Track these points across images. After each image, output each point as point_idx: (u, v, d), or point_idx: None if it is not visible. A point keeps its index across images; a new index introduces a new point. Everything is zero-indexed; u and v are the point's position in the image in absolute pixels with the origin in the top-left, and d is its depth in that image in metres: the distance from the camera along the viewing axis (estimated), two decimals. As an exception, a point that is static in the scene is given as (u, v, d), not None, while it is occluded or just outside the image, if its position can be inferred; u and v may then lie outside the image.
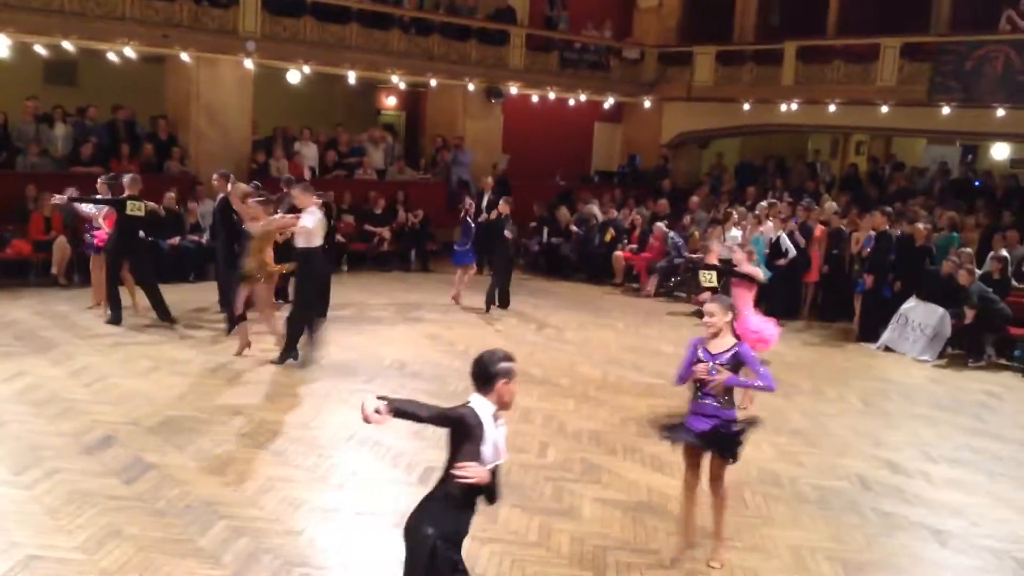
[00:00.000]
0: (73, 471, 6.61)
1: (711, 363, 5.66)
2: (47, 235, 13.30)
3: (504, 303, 13.69)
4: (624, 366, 10.89)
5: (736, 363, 5.69)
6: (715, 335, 5.72)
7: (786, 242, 13.81)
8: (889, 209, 13.83)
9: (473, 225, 13.73)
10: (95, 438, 7.31)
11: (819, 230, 14.30)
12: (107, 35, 14.46)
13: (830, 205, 16.47)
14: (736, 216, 15.01)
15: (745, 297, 9.33)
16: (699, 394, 5.77)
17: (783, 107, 19.32)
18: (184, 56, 15.35)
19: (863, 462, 8.03)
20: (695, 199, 18.21)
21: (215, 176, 12.01)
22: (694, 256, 15.57)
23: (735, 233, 14.39)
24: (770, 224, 14.30)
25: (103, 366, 9.35)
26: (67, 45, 14.40)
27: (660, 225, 16.52)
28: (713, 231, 13.99)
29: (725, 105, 20.53)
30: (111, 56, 15.09)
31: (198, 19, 15.24)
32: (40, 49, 14.88)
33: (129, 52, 14.81)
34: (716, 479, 5.88)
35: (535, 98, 20.29)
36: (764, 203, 15.76)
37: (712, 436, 5.74)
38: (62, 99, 15.62)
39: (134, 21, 14.57)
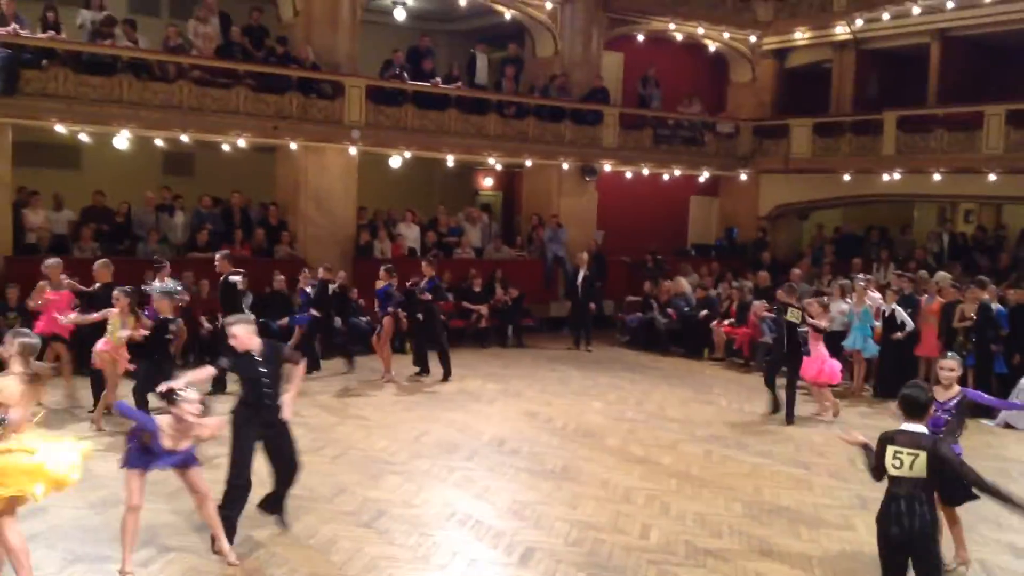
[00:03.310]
0: (186, 549, 6.82)
1: (939, 409, 6.64)
2: (164, 318, 13.88)
3: (425, 369, 13.76)
4: (728, 444, 10.67)
5: (962, 407, 6.81)
6: (947, 387, 6.85)
7: (902, 314, 13.42)
8: (983, 278, 13.36)
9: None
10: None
11: (936, 302, 13.75)
12: (222, 128, 15.33)
13: (944, 276, 15.84)
14: (840, 288, 14.64)
15: (817, 340, 11.63)
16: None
17: (884, 177, 18.99)
18: (293, 145, 16.11)
19: (984, 547, 7.63)
20: (797, 271, 17.90)
21: (219, 257, 12.57)
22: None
23: (842, 305, 14.06)
24: (877, 296, 13.94)
25: (214, 444, 9.64)
26: (185, 138, 15.31)
27: (758, 305, 16.21)
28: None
29: (824, 176, 20.32)
30: (225, 147, 15.94)
31: (306, 111, 16.02)
32: (160, 142, 15.84)
33: (242, 143, 15.63)
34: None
35: (629, 174, 20.46)
36: (862, 276, 15.38)
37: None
38: (180, 188, 16.54)
39: (247, 114, 15.43)
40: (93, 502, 7.75)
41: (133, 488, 6.17)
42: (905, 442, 5.28)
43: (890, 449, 5.31)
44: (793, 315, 11.45)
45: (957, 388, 6.93)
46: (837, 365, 12.04)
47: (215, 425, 6.36)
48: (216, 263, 12.53)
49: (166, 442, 6.16)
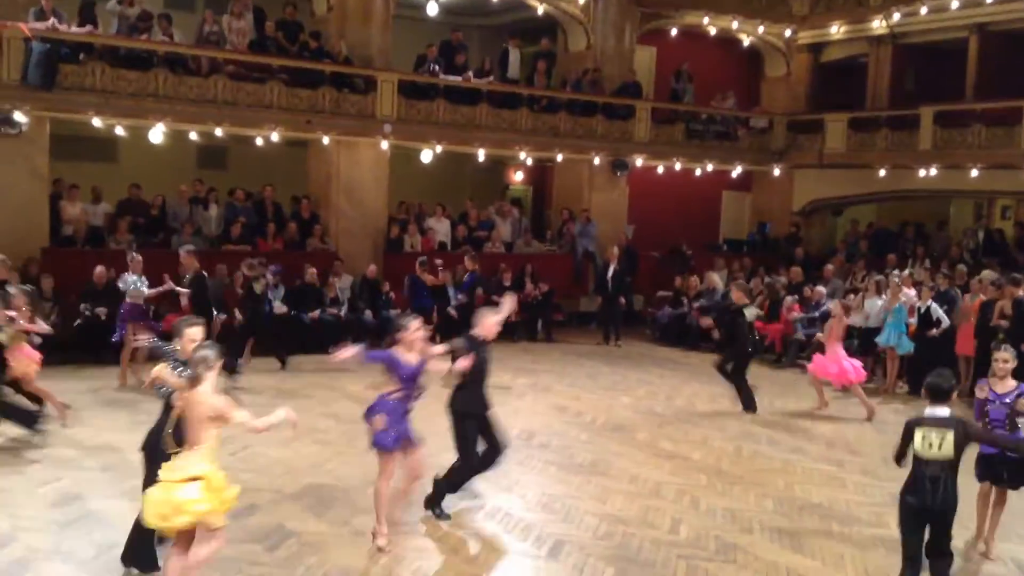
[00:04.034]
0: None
1: (997, 400, 6.84)
2: (198, 309, 14.04)
3: None
4: (759, 440, 10.60)
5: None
6: (1002, 378, 6.91)
7: (937, 311, 13.25)
8: (1017, 276, 13.12)
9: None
10: (240, 505, 7.55)
11: (978, 300, 13.51)
12: (256, 122, 15.45)
13: (989, 274, 15.52)
14: (875, 285, 14.47)
15: (836, 336, 11.89)
16: (987, 426, 6.85)
17: (921, 172, 18.75)
18: (325, 139, 16.20)
19: (1019, 545, 7.52)
20: (830, 267, 17.74)
21: (185, 252, 12.36)
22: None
23: (877, 301, 13.91)
24: (912, 292, 13.77)
25: (248, 435, 9.73)
26: (219, 132, 15.45)
27: (790, 300, 16.09)
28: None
29: (859, 171, 20.09)
30: (258, 141, 16.08)
31: (339, 105, 16.10)
32: (194, 136, 16.00)
33: (275, 137, 15.75)
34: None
35: (660, 168, 20.37)
36: (898, 272, 15.19)
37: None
38: (214, 181, 16.71)
39: (280, 109, 15.54)
40: (126, 490, 7.84)
41: (388, 467, 6.73)
42: (933, 424, 5.78)
43: (919, 432, 5.78)
44: (749, 313, 11.69)
45: (1013, 382, 6.90)
46: (857, 363, 12.08)
47: (441, 349, 7.29)
48: (181, 258, 12.32)
49: (410, 358, 6.80)
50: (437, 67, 17.38)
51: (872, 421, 11.77)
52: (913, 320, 13.41)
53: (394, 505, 6.95)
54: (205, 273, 12.23)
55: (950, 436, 5.69)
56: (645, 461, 9.42)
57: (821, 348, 12.46)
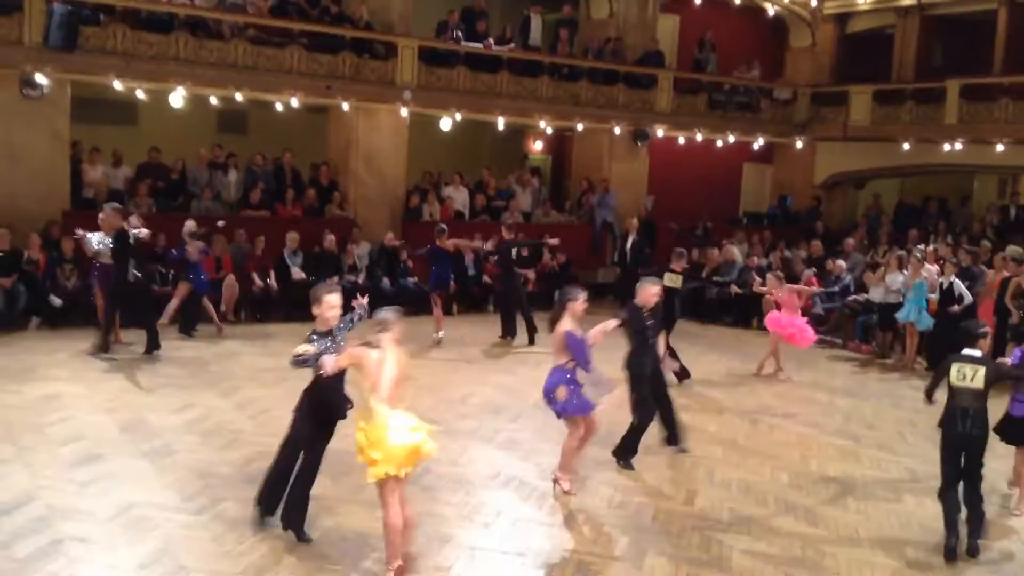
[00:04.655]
0: (237, 499, 6.97)
1: None
2: (218, 274, 14.12)
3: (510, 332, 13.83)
4: (775, 414, 10.58)
5: None
6: None
7: (960, 287, 13.12)
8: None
9: None
10: (258, 468, 7.66)
11: (999, 277, 13.35)
12: (276, 87, 15.40)
13: (1015, 250, 15.29)
14: (897, 259, 14.32)
15: (790, 306, 12.33)
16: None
17: (946, 147, 18.51)
18: (344, 106, 16.14)
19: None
20: (851, 241, 17.59)
21: (109, 210, 11.72)
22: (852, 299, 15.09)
23: (899, 277, 13.79)
24: (934, 268, 13.63)
25: (267, 399, 9.85)
26: (239, 97, 15.41)
27: (809, 273, 15.95)
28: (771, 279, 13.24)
29: (883, 145, 19.87)
30: (278, 106, 16.03)
31: (359, 71, 16.02)
32: (215, 101, 15.97)
33: (295, 102, 15.70)
34: None
35: (682, 139, 20.19)
36: (921, 247, 15.04)
37: None
38: (234, 147, 16.71)
39: (300, 74, 15.47)
40: (145, 451, 7.95)
41: (578, 428, 7.41)
42: (967, 361, 6.74)
43: (955, 367, 6.74)
44: (671, 280, 11.48)
45: None
46: (809, 333, 12.43)
47: (613, 324, 8.00)
48: (101, 218, 11.68)
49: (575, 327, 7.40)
50: (459, 33, 17.24)
51: (782, 377, 12.16)
52: (935, 296, 13.29)
53: (573, 460, 7.57)
54: (127, 230, 11.45)
55: (982, 371, 6.63)
56: (660, 433, 9.40)
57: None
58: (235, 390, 10.17)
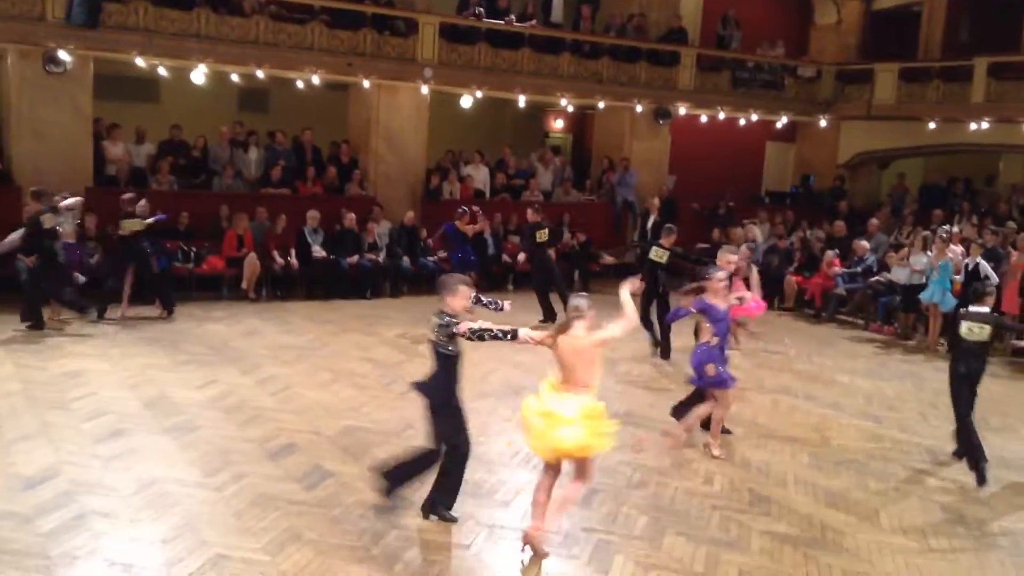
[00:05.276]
0: (258, 475, 7.03)
1: None
2: (239, 252, 14.18)
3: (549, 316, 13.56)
4: (796, 395, 10.53)
5: None
6: None
7: (986, 268, 12.97)
8: None
9: None
10: (279, 445, 7.75)
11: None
12: (297, 64, 15.37)
13: None
14: (922, 240, 14.18)
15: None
16: None
17: (972, 126, 18.25)
18: (365, 83, 16.10)
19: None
20: (874, 221, 17.41)
21: (31, 193, 11.81)
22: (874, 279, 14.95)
23: (923, 258, 13.65)
24: (959, 249, 13.48)
25: (288, 376, 9.91)
26: (260, 74, 15.40)
27: (830, 255, 15.82)
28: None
29: (908, 124, 19.62)
30: (299, 84, 16.02)
31: (380, 48, 15.96)
32: (236, 78, 15.97)
33: (316, 79, 15.68)
34: None
35: (704, 118, 20.02)
36: (947, 227, 14.85)
37: None
38: (255, 124, 16.72)
39: (321, 51, 15.43)
40: (168, 427, 8.02)
41: (726, 399, 8.14)
42: (975, 318, 7.86)
43: (964, 323, 7.90)
44: (657, 255, 11.54)
45: None
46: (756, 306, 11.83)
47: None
48: (30, 202, 11.72)
49: (718, 302, 7.98)
50: (480, 10, 17.13)
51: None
52: (960, 277, 13.15)
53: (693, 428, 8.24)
54: (39, 218, 11.32)
55: (988, 328, 7.83)
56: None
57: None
58: (256, 367, 10.23)
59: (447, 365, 6.13)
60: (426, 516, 6.39)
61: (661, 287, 11.68)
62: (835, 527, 6.74)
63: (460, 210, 13.44)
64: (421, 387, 6.29)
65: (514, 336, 5.93)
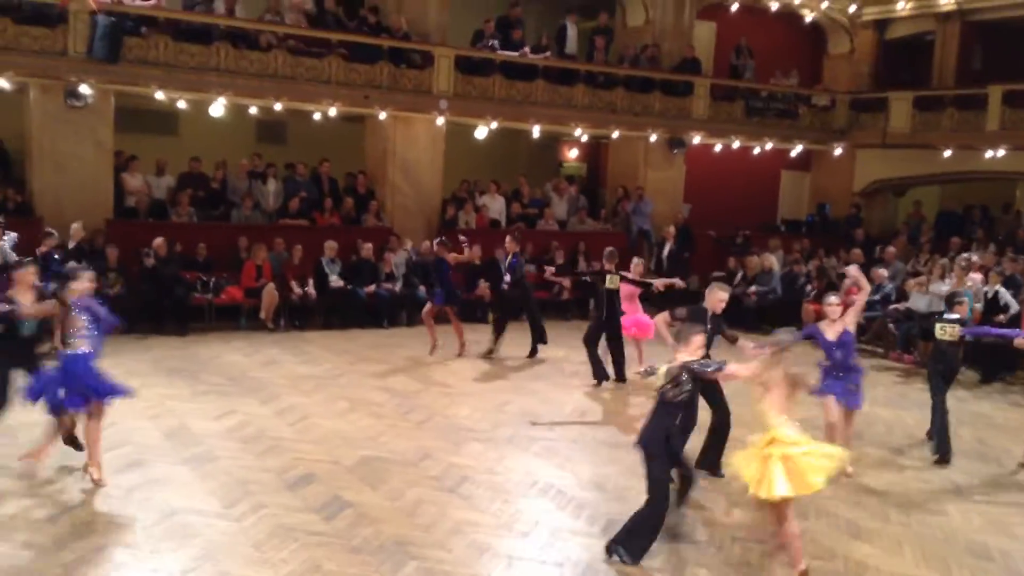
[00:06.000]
0: (277, 506, 7.02)
1: None
2: (257, 282, 14.27)
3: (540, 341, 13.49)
4: (815, 425, 10.40)
5: None
6: None
7: (1006, 296, 12.91)
8: None
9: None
10: (297, 475, 7.76)
11: None
12: (314, 97, 15.55)
13: None
14: (940, 268, 14.12)
15: (631, 299, 11.98)
16: None
17: (988, 154, 18.23)
18: (381, 115, 16.25)
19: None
20: (892, 249, 17.36)
21: None
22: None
23: (943, 286, 13.58)
24: (978, 276, 13.43)
25: (306, 406, 9.93)
26: (278, 107, 15.58)
27: (848, 282, 15.71)
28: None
29: (923, 152, 19.62)
30: (316, 116, 16.18)
31: (396, 80, 16.13)
32: (254, 110, 16.16)
33: (333, 112, 15.84)
34: None
35: (718, 147, 20.08)
36: (966, 255, 14.79)
37: None
38: (272, 156, 16.89)
39: (338, 84, 15.61)
40: (187, 458, 8.03)
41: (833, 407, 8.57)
42: (947, 321, 9.10)
43: (939, 325, 9.18)
44: (611, 282, 11.52)
45: None
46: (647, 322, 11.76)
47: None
48: None
49: (830, 331, 8.56)
50: (495, 42, 17.29)
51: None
52: (979, 305, 13.08)
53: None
54: None
55: (957, 328, 9.05)
56: (698, 443, 9.32)
57: None
58: (275, 397, 10.26)
59: (673, 411, 6.46)
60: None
61: (614, 313, 11.59)
62: (858, 559, 6.68)
63: (438, 240, 13.24)
64: (642, 440, 6.52)
65: (717, 368, 6.53)
